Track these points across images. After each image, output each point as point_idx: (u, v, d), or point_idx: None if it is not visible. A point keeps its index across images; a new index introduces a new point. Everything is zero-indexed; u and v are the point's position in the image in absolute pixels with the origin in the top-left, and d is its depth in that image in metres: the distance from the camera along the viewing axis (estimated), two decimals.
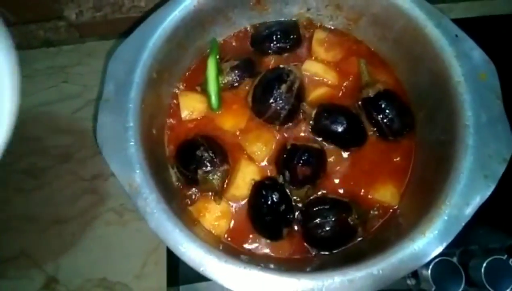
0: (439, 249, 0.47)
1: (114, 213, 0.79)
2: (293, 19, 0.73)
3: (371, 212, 0.61)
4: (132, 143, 0.53)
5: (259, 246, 0.60)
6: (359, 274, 0.46)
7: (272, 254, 0.60)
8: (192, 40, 0.68)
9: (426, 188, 0.55)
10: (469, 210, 0.47)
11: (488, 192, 0.48)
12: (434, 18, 0.57)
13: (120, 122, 0.53)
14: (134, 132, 0.53)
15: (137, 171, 0.51)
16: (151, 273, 0.73)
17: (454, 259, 0.74)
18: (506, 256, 0.73)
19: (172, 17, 0.60)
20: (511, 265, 0.68)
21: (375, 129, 0.66)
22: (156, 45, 0.59)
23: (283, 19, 0.73)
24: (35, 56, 0.96)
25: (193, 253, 0.47)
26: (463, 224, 0.47)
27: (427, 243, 0.47)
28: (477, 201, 0.48)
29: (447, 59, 0.55)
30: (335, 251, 0.59)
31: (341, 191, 0.63)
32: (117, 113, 0.54)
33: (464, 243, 0.73)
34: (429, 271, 0.65)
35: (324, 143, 0.65)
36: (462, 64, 0.54)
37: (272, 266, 0.51)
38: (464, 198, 0.48)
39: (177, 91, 0.70)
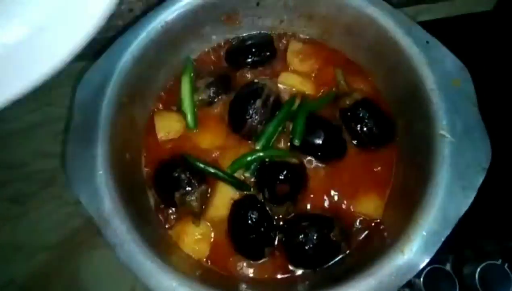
0: (420, 266, 0.45)
1: (100, 237, 0.78)
2: (267, 31, 0.72)
3: (354, 225, 0.60)
4: (101, 172, 0.51)
5: (242, 267, 0.59)
6: None
7: (255, 276, 0.58)
8: (164, 59, 0.67)
9: (407, 200, 0.53)
10: (449, 225, 0.46)
11: (467, 204, 0.47)
12: (404, 26, 0.56)
13: (88, 151, 0.52)
14: (103, 161, 0.52)
15: (106, 201, 0.50)
16: None
17: (447, 266, 0.73)
18: (500, 260, 0.71)
19: (140, 39, 0.59)
20: (506, 270, 0.66)
21: (355, 139, 0.64)
22: (124, 69, 0.58)
23: (256, 32, 0.72)
24: None
25: (166, 286, 0.46)
26: (442, 239, 0.46)
27: (406, 261, 0.45)
28: (456, 215, 0.46)
29: (419, 67, 0.54)
30: (319, 269, 0.58)
31: (323, 205, 0.62)
32: (85, 142, 0.53)
33: (456, 248, 0.71)
34: (422, 280, 0.63)
35: (304, 156, 0.64)
36: (435, 71, 0.53)
37: None
38: (442, 212, 0.46)
39: (152, 112, 0.69)
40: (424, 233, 0.46)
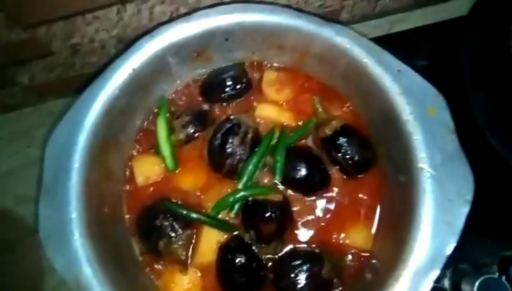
0: None
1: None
2: (240, 62, 0.71)
3: (345, 259, 0.58)
4: (76, 236, 0.50)
5: None
6: None
7: None
8: (136, 104, 0.65)
9: (394, 234, 0.52)
10: (437, 263, 0.44)
11: (454, 240, 0.45)
12: (375, 55, 0.55)
13: (62, 214, 0.50)
14: (78, 224, 0.50)
15: (84, 268, 0.48)
16: None
17: (445, 281, 0.72)
18: (498, 274, 0.70)
19: (107, 89, 0.58)
20: (504, 283, 0.66)
21: (337, 168, 0.63)
22: (93, 122, 0.56)
23: (229, 64, 0.71)
24: None
25: None
26: (433, 278, 0.44)
27: None
28: (443, 251, 0.45)
29: (392, 97, 0.53)
30: None
31: (311, 240, 0.60)
32: (58, 205, 0.51)
33: (453, 262, 0.70)
34: None
35: (288, 191, 0.62)
36: (409, 101, 0.51)
37: None
38: (429, 249, 0.45)
39: (129, 158, 0.67)
40: (412, 274, 0.44)
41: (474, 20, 0.71)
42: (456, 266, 0.72)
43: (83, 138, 0.55)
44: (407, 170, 0.51)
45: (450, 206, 0.46)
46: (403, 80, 0.53)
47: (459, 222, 0.46)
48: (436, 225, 0.46)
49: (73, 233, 0.50)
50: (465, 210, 0.46)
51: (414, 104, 0.51)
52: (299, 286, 0.55)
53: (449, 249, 0.45)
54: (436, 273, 0.44)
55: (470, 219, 0.47)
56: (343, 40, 0.56)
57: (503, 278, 0.68)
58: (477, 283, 0.66)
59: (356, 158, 0.61)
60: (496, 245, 0.73)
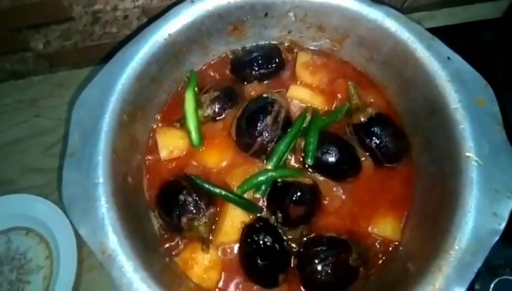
0: None
1: (94, 258, 0.73)
2: (274, 42, 0.69)
3: (372, 249, 0.57)
4: (103, 202, 0.47)
5: None
6: None
7: None
8: (167, 73, 0.62)
9: (430, 224, 0.50)
10: (482, 255, 0.43)
11: (499, 232, 0.44)
12: (424, 40, 0.53)
13: (88, 179, 0.48)
14: (104, 189, 0.48)
15: (110, 235, 0.46)
16: None
17: None
18: None
19: (142, 53, 0.55)
20: None
21: (369, 156, 0.61)
22: (124, 86, 0.53)
23: (263, 42, 0.69)
24: (3, 90, 0.91)
25: None
26: (475, 270, 0.43)
27: None
28: (489, 244, 0.44)
29: (440, 84, 0.51)
30: None
31: (338, 227, 0.59)
32: (84, 169, 0.48)
33: None
34: None
35: (317, 175, 0.61)
36: (458, 89, 0.50)
37: None
38: (474, 240, 0.44)
39: (154, 129, 0.65)
40: (457, 264, 0.43)
41: (509, 23, 0.71)
42: None
43: (113, 102, 0.52)
44: (451, 159, 0.49)
45: (496, 196, 0.45)
46: (453, 67, 0.51)
47: (505, 213, 0.45)
48: (481, 216, 0.45)
49: (99, 199, 0.47)
50: (511, 202, 0.45)
51: (463, 93, 0.50)
52: (324, 272, 0.54)
53: (493, 240, 0.44)
54: (478, 264, 0.43)
55: None
56: (391, 23, 0.54)
57: None
58: (492, 284, 0.65)
59: (390, 146, 0.59)
60: (510, 247, 0.72)
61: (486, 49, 0.74)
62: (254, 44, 0.69)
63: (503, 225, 0.45)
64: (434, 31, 0.81)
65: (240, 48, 0.69)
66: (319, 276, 0.54)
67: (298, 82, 0.67)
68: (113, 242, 0.45)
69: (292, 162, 0.62)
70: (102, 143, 0.50)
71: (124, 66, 0.54)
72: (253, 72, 0.67)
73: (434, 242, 0.46)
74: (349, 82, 0.64)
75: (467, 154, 0.47)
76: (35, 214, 0.74)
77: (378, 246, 0.57)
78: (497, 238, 0.44)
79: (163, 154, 0.62)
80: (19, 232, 0.76)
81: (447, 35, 0.82)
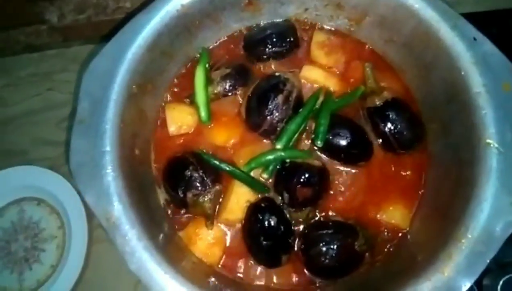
0: (463, 289, 0.41)
1: (103, 230, 0.74)
2: (290, 20, 0.66)
3: (379, 235, 0.56)
4: (109, 170, 0.47)
5: (257, 275, 0.55)
6: None
7: (271, 285, 0.54)
8: (178, 47, 0.61)
9: (442, 213, 0.49)
10: (495, 245, 0.41)
11: None
12: (449, 19, 0.50)
13: (95, 146, 0.47)
14: (111, 158, 0.47)
15: (115, 203, 0.46)
16: None
17: None
18: None
19: (153, 23, 0.54)
20: None
21: (381, 141, 0.59)
22: (135, 56, 0.52)
23: (278, 20, 0.66)
24: (17, 63, 0.91)
25: None
26: (487, 261, 0.41)
27: (446, 283, 0.41)
28: (503, 234, 0.42)
29: (464, 66, 0.48)
30: (340, 280, 0.54)
31: (345, 212, 0.57)
32: (92, 136, 0.48)
33: None
34: None
35: (326, 158, 0.59)
36: (482, 72, 0.47)
37: None
38: (488, 230, 0.42)
39: (163, 104, 0.64)
40: (468, 253, 0.41)
41: None
42: None
43: (122, 71, 0.51)
44: (469, 147, 0.47)
45: None
46: (478, 49, 0.48)
47: None
48: (498, 205, 0.43)
49: (106, 167, 0.47)
50: None
51: (488, 77, 0.47)
52: (328, 255, 0.53)
53: (509, 232, 0.42)
54: (491, 255, 0.41)
55: None
56: (415, 1, 0.51)
57: None
58: (501, 282, 0.64)
59: (405, 133, 0.57)
60: None
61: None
62: (269, 21, 0.67)
63: None
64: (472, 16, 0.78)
65: (254, 25, 0.67)
66: (323, 259, 0.53)
67: (313, 62, 0.65)
68: (118, 210, 0.45)
69: (304, 144, 0.60)
70: (111, 112, 0.49)
71: (134, 36, 0.53)
72: (266, 50, 0.65)
73: (445, 231, 0.45)
74: (366, 64, 0.62)
75: (488, 140, 0.45)
76: (45, 186, 0.75)
77: (386, 233, 0.56)
78: None
79: (172, 129, 0.62)
80: (31, 202, 0.78)
81: (473, 23, 0.78)
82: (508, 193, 0.43)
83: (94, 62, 0.52)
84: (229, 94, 0.63)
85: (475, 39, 0.49)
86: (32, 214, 0.77)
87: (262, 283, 0.55)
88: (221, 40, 0.67)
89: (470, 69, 0.48)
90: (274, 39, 0.65)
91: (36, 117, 0.86)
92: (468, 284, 0.41)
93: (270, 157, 0.57)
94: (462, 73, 0.48)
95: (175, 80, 0.65)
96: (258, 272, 0.55)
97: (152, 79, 0.59)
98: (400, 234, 0.55)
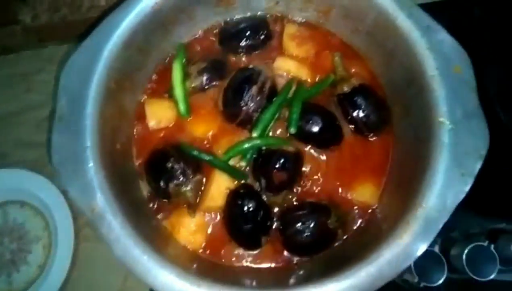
0: (418, 252, 0.46)
1: (90, 229, 0.76)
2: (262, 13, 0.69)
3: (351, 213, 0.60)
4: (91, 165, 0.49)
5: (239, 257, 0.58)
6: (342, 284, 0.45)
7: (253, 265, 0.58)
8: (154, 43, 0.63)
9: (404, 187, 0.53)
10: (447, 212, 0.46)
11: (465, 191, 0.47)
12: (405, 9, 0.54)
13: (76, 142, 0.49)
14: (93, 152, 0.49)
15: (98, 195, 0.48)
16: (134, 288, 0.72)
17: (436, 248, 0.75)
18: (487, 242, 0.73)
19: (128, 21, 0.55)
20: (492, 251, 0.69)
21: (351, 126, 0.63)
22: (112, 53, 0.54)
23: (251, 14, 0.69)
24: None
25: (163, 281, 0.45)
26: (440, 226, 0.46)
27: (404, 248, 0.46)
28: (454, 202, 0.47)
29: (419, 52, 0.53)
30: (316, 256, 0.58)
31: (319, 193, 0.61)
32: (72, 132, 0.50)
33: (445, 230, 0.73)
34: (412, 262, 0.64)
35: (300, 144, 0.63)
36: (436, 57, 0.52)
37: (251, 283, 0.49)
38: (441, 198, 0.47)
39: (142, 99, 0.66)
40: (423, 219, 0.46)
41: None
42: (447, 234, 0.75)
43: (100, 68, 0.53)
44: (426, 125, 0.51)
45: (465, 159, 0.48)
46: (432, 36, 0.52)
47: (473, 173, 0.47)
48: (449, 175, 0.47)
49: (88, 161, 0.49)
50: (478, 163, 0.47)
51: (440, 61, 0.51)
52: (305, 234, 0.57)
53: (460, 198, 0.47)
54: (444, 219, 0.46)
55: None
56: None
57: (492, 247, 0.71)
58: (466, 250, 0.68)
59: (371, 116, 0.61)
60: (486, 217, 0.76)
61: (475, 25, 0.75)
62: (242, 16, 0.69)
63: (469, 184, 0.47)
64: (427, 6, 0.82)
65: (228, 19, 0.69)
66: (299, 238, 0.57)
67: (285, 53, 0.68)
68: (101, 200, 0.47)
69: (279, 132, 0.63)
70: (90, 108, 0.51)
71: (110, 34, 0.54)
72: (241, 43, 0.67)
73: (406, 202, 0.49)
74: (335, 53, 0.66)
75: (440, 119, 0.49)
76: (29, 188, 0.76)
77: (356, 210, 0.60)
78: (463, 196, 0.47)
79: (151, 123, 0.64)
80: (14, 205, 0.78)
81: (429, 11, 0.83)
82: (458, 165, 0.48)
83: (72, 59, 0.53)
84: (206, 87, 0.66)
85: (428, 26, 0.53)
86: (16, 216, 0.77)
87: (244, 264, 0.58)
88: (197, 35, 0.69)
89: (425, 54, 0.52)
90: (248, 33, 0.67)
91: (15, 119, 0.86)
92: (423, 248, 0.46)
93: (247, 145, 0.60)
94: (418, 58, 0.53)
95: (154, 76, 0.67)
96: (239, 255, 0.58)
97: (130, 75, 0.61)
98: (369, 211, 0.60)
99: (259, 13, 0.69)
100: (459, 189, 0.47)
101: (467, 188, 0.47)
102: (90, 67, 0.52)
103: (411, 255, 0.46)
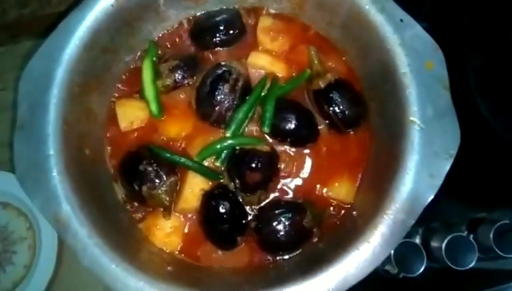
0: (385, 255, 0.46)
1: None
2: (235, 6, 0.66)
3: (326, 210, 0.60)
4: (54, 173, 0.48)
5: (215, 258, 0.59)
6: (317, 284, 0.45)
7: (229, 265, 0.58)
8: (121, 42, 0.60)
9: (377, 186, 0.53)
10: (415, 214, 0.46)
11: (433, 192, 0.47)
12: (378, 2, 0.52)
13: (39, 151, 0.48)
14: (56, 161, 0.48)
15: (63, 205, 0.47)
16: None
17: (417, 238, 0.76)
18: (466, 232, 0.74)
19: (88, 21, 0.53)
20: (471, 241, 0.69)
21: (327, 122, 0.62)
22: (72, 56, 0.52)
23: (222, 7, 0.66)
24: None
25: (132, 288, 0.45)
26: (408, 227, 0.46)
27: (371, 251, 0.46)
28: (422, 203, 0.46)
29: (392, 48, 0.51)
30: (291, 255, 0.58)
31: (295, 191, 0.61)
32: (34, 141, 0.48)
33: (425, 220, 0.73)
34: (392, 252, 0.65)
35: (276, 142, 0.62)
36: (408, 53, 0.50)
37: (227, 283, 0.49)
38: (410, 200, 0.46)
39: (113, 100, 0.64)
40: (391, 222, 0.46)
41: None
42: (428, 224, 0.76)
43: (60, 73, 0.51)
44: (398, 124, 0.50)
45: (435, 159, 0.47)
46: (405, 31, 0.51)
47: (441, 175, 0.47)
48: (419, 176, 0.47)
49: (51, 170, 0.48)
50: (448, 163, 0.47)
51: (412, 57, 0.50)
52: (280, 233, 0.57)
53: (427, 200, 0.46)
54: (411, 222, 0.46)
55: (446, 180, 0.48)
56: None
57: (471, 236, 0.72)
58: (446, 240, 0.69)
59: (347, 112, 0.60)
60: (467, 207, 0.76)
61: (457, 10, 0.72)
62: (214, 9, 0.66)
63: (438, 185, 0.47)
64: None
65: (199, 14, 0.66)
66: (275, 237, 0.57)
67: (260, 48, 0.65)
68: (66, 211, 0.47)
69: (254, 131, 0.62)
70: (51, 115, 0.49)
71: (69, 36, 0.52)
72: (214, 39, 0.65)
73: (378, 202, 0.49)
74: (311, 47, 0.63)
75: (411, 118, 0.48)
76: (9, 189, 0.75)
77: (332, 208, 0.60)
78: (432, 197, 0.47)
79: (123, 125, 0.62)
80: None
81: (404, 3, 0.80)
82: (428, 165, 0.47)
83: (30, 64, 0.51)
84: (179, 85, 0.64)
85: (402, 20, 0.51)
86: None
87: (220, 265, 0.58)
88: (167, 31, 0.66)
89: (397, 50, 0.50)
90: (220, 27, 0.65)
91: None
92: (390, 249, 0.46)
93: (220, 146, 0.59)
94: (391, 54, 0.51)
95: (124, 76, 0.65)
96: (216, 255, 0.59)
97: (97, 76, 0.59)
98: (345, 209, 0.59)
99: (231, 6, 0.66)
100: (427, 190, 0.46)
101: (436, 189, 0.47)
102: (50, 73, 0.50)
103: (378, 257, 0.46)
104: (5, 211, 0.78)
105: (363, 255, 0.45)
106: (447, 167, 0.47)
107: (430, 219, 0.74)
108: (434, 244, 0.73)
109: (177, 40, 0.66)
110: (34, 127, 0.49)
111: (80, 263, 0.45)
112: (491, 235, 0.67)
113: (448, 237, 0.69)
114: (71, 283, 0.75)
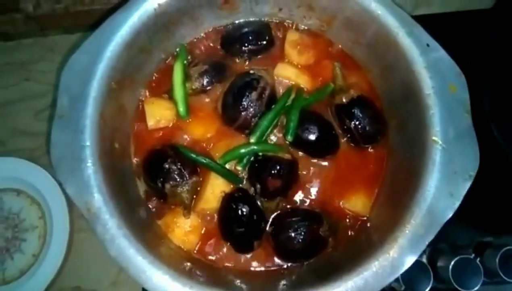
0: (404, 267, 0.47)
1: (84, 220, 0.77)
2: (265, 19, 0.69)
3: (342, 222, 0.61)
4: (89, 164, 0.49)
5: (230, 259, 0.60)
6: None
7: (244, 268, 0.59)
8: (156, 43, 0.63)
9: (395, 201, 0.55)
10: (434, 229, 0.48)
11: (453, 210, 0.49)
12: (406, 26, 0.55)
13: (75, 141, 0.50)
14: (91, 152, 0.50)
15: (95, 194, 0.49)
16: (127, 280, 0.72)
17: (423, 258, 0.77)
18: (473, 255, 0.75)
19: (131, 22, 0.55)
20: (478, 264, 0.71)
21: (347, 136, 0.64)
22: (113, 54, 0.54)
23: (254, 19, 0.69)
24: None
25: (156, 281, 0.46)
26: (427, 243, 0.48)
27: (391, 262, 0.47)
28: (441, 220, 0.48)
29: (417, 70, 0.53)
30: (306, 263, 0.59)
31: (312, 201, 0.62)
32: (72, 131, 0.50)
33: (433, 241, 0.75)
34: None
35: (297, 152, 0.64)
36: (432, 75, 0.53)
37: (242, 285, 0.51)
38: (429, 217, 0.48)
39: (142, 99, 0.66)
40: (411, 236, 0.47)
41: (498, 14, 0.72)
42: (436, 245, 0.77)
43: (101, 68, 0.53)
44: (419, 141, 0.53)
45: (455, 179, 0.49)
46: (430, 54, 0.53)
47: (461, 194, 0.49)
48: (439, 194, 0.49)
49: (85, 160, 0.49)
50: (467, 184, 0.49)
51: (436, 80, 0.52)
52: (296, 240, 0.58)
53: (446, 218, 0.48)
54: (430, 238, 0.47)
55: None
56: (377, 6, 0.55)
57: (478, 259, 0.73)
58: (452, 262, 0.70)
59: (368, 128, 0.62)
60: (474, 230, 0.78)
61: (475, 39, 0.75)
62: (245, 20, 0.69)
63: (457, 204, 0.49)
64: (429, 17, 0.83)
65: (230, 23, 0.69)
66: (291, 244, 0.58)
67: (286, 60, 0.68)
68: (98, 200, 0.48)
69: (276, 139, 0.64)
70: (90, 108, 0.51)
71: (113, 34, 0.54)
72: (243, 48, 0.68)
73: (395, 216, 0.51)
74: (335, 63, 0.66)
75: (433, 137, 0.51)
76: (25, 177, 0.76)
77: (348, 219, 0.62)
78: (451, 215, 0.49)
79: (150, 123, 0.64)
80: (10, 193, 0.78)
81: (442, 22, 0.83)
82: (447, 183, 0.49)
83: (73, 58, 0.54)
84: (207, 90, 0.66)
85: (428, 45, 0.54)
86: (11, 205, 0.78)
87: (236, 267, 0.59)
88: (199, 37, 0.69)
89: (422, 72, 0.53)
90: (250, 37, 0.68)
91: (13, 108, 0.86)
92: (409, 262, 0.47)
93: (244, 150, 0.61)
94: (416, 76, 0.54)
95: (154, 76, 0.67)
96: (232, 258, 0.60)
97: (131, 75, 0.61)
98: (360, 221, 0.61)
99: (262, 18, 0.69)
100: (447, 208, 0.48)
101: (455, 207, 0.48)
102: (91, 68, 0.52)
103: (397, 269, 0.47)
104: (19, 198, 0.79)
105: (383, 266, 0.47)
106: (466, 187, 0.49)
107: (437, 239, 0.75)
108: (440, 264, 0.74)
109: (208, 46, 0.69)
110: (73, 118, 0.51)
111: (108, 253, 0.46)
112: (497, 260, 0.69)
113: (456, 258, 0.70)
114: (78, 276, 0.75)
